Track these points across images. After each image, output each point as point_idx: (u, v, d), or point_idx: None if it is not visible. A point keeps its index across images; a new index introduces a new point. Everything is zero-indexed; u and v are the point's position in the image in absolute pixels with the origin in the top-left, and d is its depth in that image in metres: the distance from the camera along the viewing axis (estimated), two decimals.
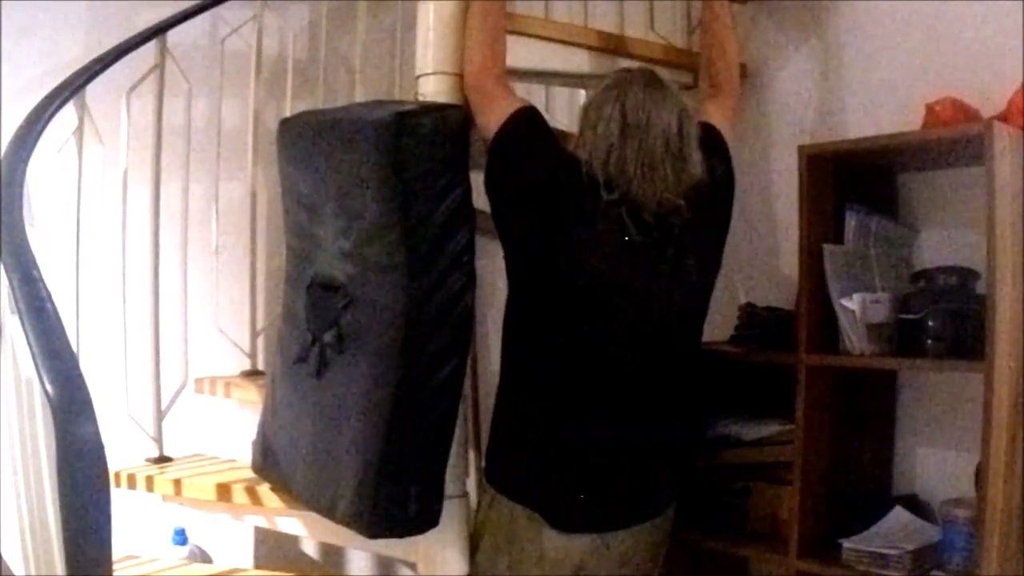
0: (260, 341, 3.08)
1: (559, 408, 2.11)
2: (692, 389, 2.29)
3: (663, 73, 2.20)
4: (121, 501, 2.10)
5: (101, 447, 1.43)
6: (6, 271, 1.68)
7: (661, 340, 2.16)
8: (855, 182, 2.43)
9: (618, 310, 2.09)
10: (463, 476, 2.19)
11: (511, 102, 2.12)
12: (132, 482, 2.64)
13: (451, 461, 2.08)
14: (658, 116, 2.04)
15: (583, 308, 2.08)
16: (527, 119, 2.12)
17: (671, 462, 2.25)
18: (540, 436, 2.13)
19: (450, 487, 2.10)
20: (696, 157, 2.08)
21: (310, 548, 3.38)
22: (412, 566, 2.32)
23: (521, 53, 2.25)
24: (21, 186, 2.00)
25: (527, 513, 2.11)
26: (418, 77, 2.18)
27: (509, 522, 2.14)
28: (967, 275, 2.29)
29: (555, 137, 2.16)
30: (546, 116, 2.28)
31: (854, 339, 2.27)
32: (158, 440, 2.77)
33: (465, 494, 2.20)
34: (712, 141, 2.22)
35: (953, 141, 2.22)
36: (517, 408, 2.17)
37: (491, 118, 2.10)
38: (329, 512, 2.15)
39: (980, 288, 2.22)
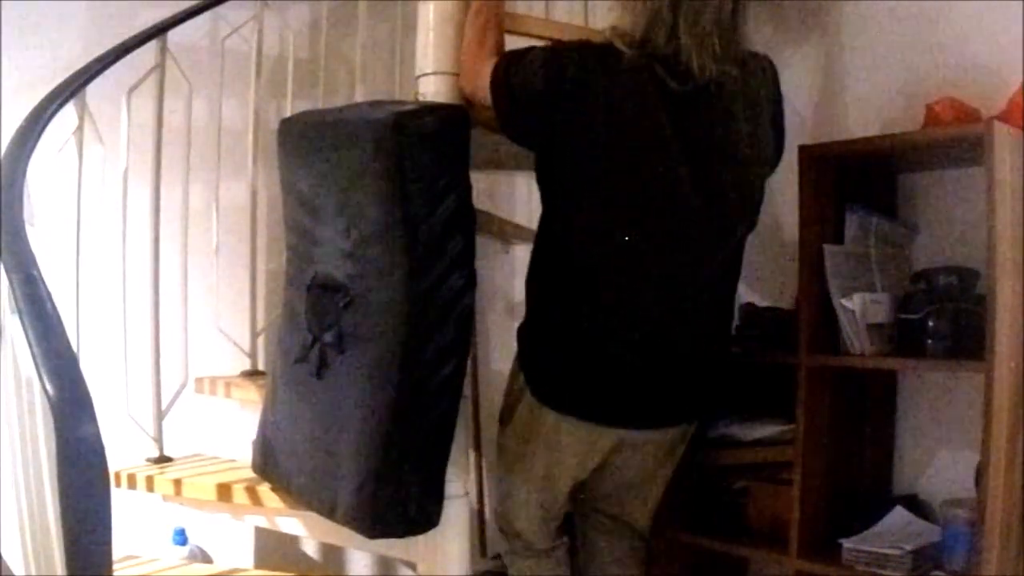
0: (260, 341, 3.08)
1: (599, 318, 2.11)
2: (726, 308, 2.30)
3: None
4: (121, 501, 2.11)
5: (101, 447, 1.43)
6: (6, 271, 1.68)
7: (705, 251, 2.13)
8: (855, 182, 2.43)
9: (663, 216, 2.05)
10: (463, 476, 2.19)
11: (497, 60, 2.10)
12: (132, 482, 2.64)
13: (451, 461, 2.08)
14: None
15: (629, 216, 2.05)
16: (522, 53, 2.08)
17: (698, 376, 2.26)
18: (580, 345, 2.13)
19: (450, 487, 2.10)
20: (745, 42, 2.06)
21: (310, 548, 3.38)
22: (412, 566, 2.32)
23: None
24: (21, 186, 2.00)
25: (559, 416, 2.17)
26: (418, 77, 2.18)
27: (540, 415, 2.18)
28: (967, 275, 2.29)
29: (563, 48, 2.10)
30: None
31: (854, 339, 2.28)
32: (158, 440, 2.77)
33: (466, 494, 2.20)
34: (771, 71, 2.20)
35: (953, 141, 2.22)
36: (553, 309, 2.18)
37: (488, 76, 2.08)
38: (329, 512, 2.15)
39: (980, 288, 2.22)
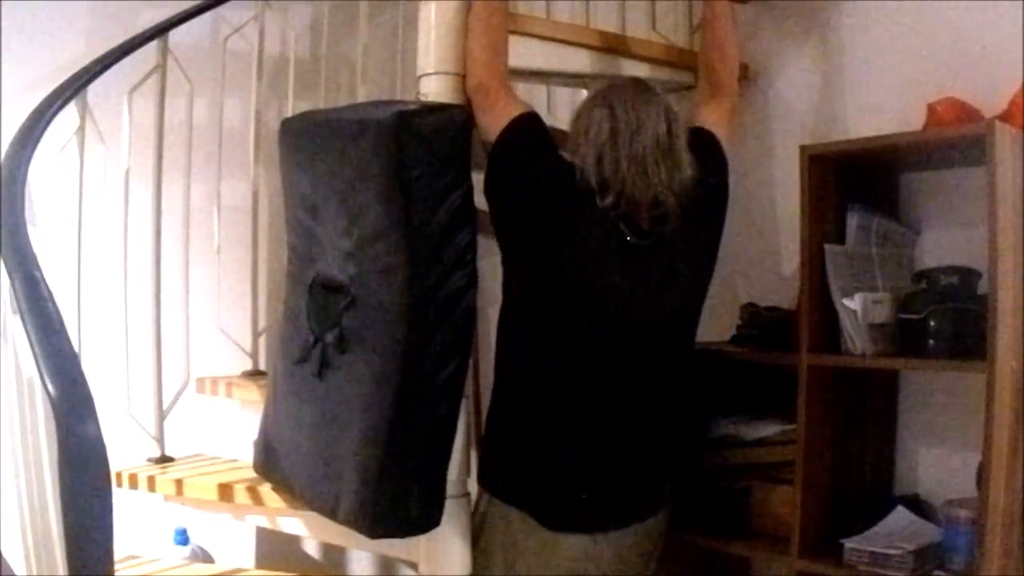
0: (262, 341, 3.08)
1: (555, 410, 2.12)
2: (688, 391, 2.29)
3: (664, 73, 2.21)
4: (123, 501, 2.10)
5: (103, 447, 1.43)
6: (8, 271, 1.68)
7: (656, 343, 2.18)
8: (857, 182, 2.43)
9: (613, 314, 2.10)
10: (464, 476, 2.19)
11: (512, 107, 2.13)
12: (134, 482, 2.64)
13: (452, 461, 2.08)
14: (647, 117, 2.06)
15: (578, 311, 2.09)
16: (528, 125, 2.13)
17: (667, 464, 2.26)
18: (535, 438, 2.14)
19: (451, 487, 2.10)
20: (686, 158, 2.10)
21: (312, 548, 3.38)
22: (414, 566, 2.31)
23: (523, 53, 2.25)
24: (23, 186, 2.00)
25: (521, 515, 2.13)
26: (420, 77, 2.18)
27: (505, 523, 2.15)
28: (969, 275, 2.29)
29: (554, 144, 2.16)
30: (548, 117, 2.29)
31: (856, 339, 2.27)
32: (160, 440, 2.77)
33: (466, 494, 2.20)
34: (705, 145, 2.24)
35: (955, 141, 2.22)
36: (512, 411, 2.19)
37: (492, 121, 2.11)
38: (331, 512, 2.15)
39: (982, 288, 2.22)
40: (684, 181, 2.08)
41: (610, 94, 2.11)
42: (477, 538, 2.21)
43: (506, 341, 2.20)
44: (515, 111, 2.12)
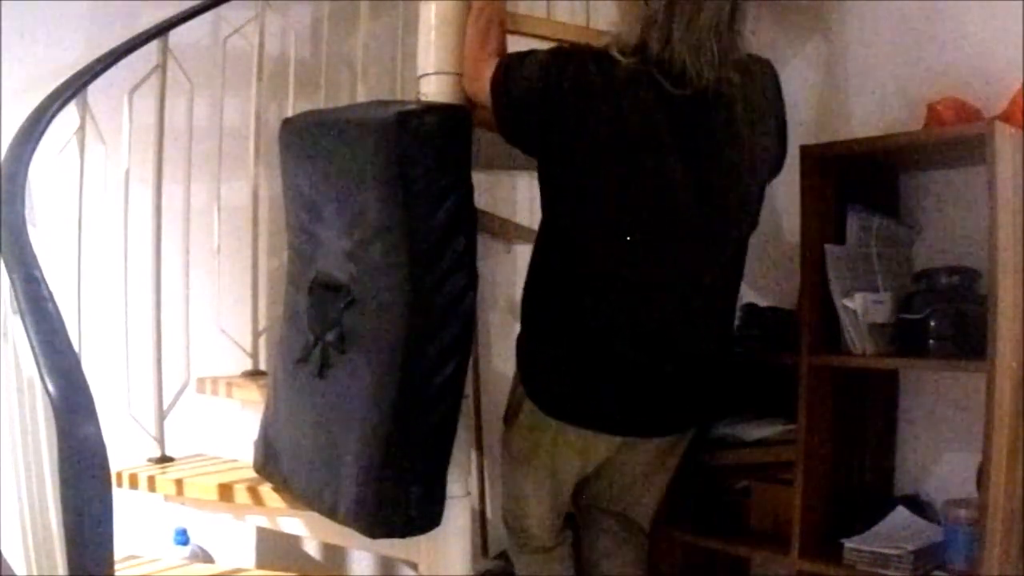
0: (262, 341, 3.08)
1: (596, 325, 2.11)
2: (727, 312, 2.30)
3: None
4: (123, 501, 2.10)
5: (103, 447, 1.43)
6: (8, 271, 1.68)
7: (704, 255, 2.12)
8: (857, 182, 2.43)
9: (664, 204, 2.03)
10: (465, 476, 2.19)
11: (494, 63, 2.09)
12: (134, 482, 2.64)
13: (453, 461, 2.08)
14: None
15: (627, 221, 2.04)
16: (511, 64, 2.07)
17: (698, 382, 2.26)
18: (577, 353, 2.13)
19: (452, 487, 2.10)
20: (742, 48, 2.02)
21: (312, 548, 3.38)
22: (414, 566, 2.32)
23: None
24: (23, 186, 2.00)
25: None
26: (420, 77, 2.18)
27: (541, 420, 2.19)
28: (969, 275, 2.29)
29: (542, 59, 2.07)
30: None
31: (856, 339, 2.28)
32: (160, 440, 2.77)
33: (467, 494, 2.20)
34: (771, 76, 2.18)
35: (955, 141, 2.22)
36: (551, 314, 2.17)
37: (484, 86, 2.08)
38: (331, 512, 2.15)
39: (982, 288, 2.22)
40: (738, 66, 2.00)
41: None
42: (512, 416, 2.27)
43: (547, 260, 2.17)
44: (495, 63, 2.08)
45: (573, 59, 2.03)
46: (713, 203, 2.06)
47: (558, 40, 2.34)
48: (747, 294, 2.79)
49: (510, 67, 2.07)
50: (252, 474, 2.55)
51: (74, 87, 2.45)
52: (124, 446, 2.63)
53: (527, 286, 2.22)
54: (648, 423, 2.22)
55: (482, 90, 2.10)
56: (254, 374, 3.04)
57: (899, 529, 2.30)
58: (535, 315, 2.21)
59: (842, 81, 2.71)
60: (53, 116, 2.31)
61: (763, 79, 2.14)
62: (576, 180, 2.06)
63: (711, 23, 1.95)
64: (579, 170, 2.04)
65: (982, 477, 2.07)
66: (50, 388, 1.44)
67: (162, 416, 2.77)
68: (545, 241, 2.17)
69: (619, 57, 1.98)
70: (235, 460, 2.83)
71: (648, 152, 2.00)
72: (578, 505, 2.49)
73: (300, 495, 2.30)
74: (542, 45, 2.31)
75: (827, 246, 2.33)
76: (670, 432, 2.29)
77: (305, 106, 2.94)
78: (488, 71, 2.09)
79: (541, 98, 2.02)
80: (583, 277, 2.11)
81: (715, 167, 2.04)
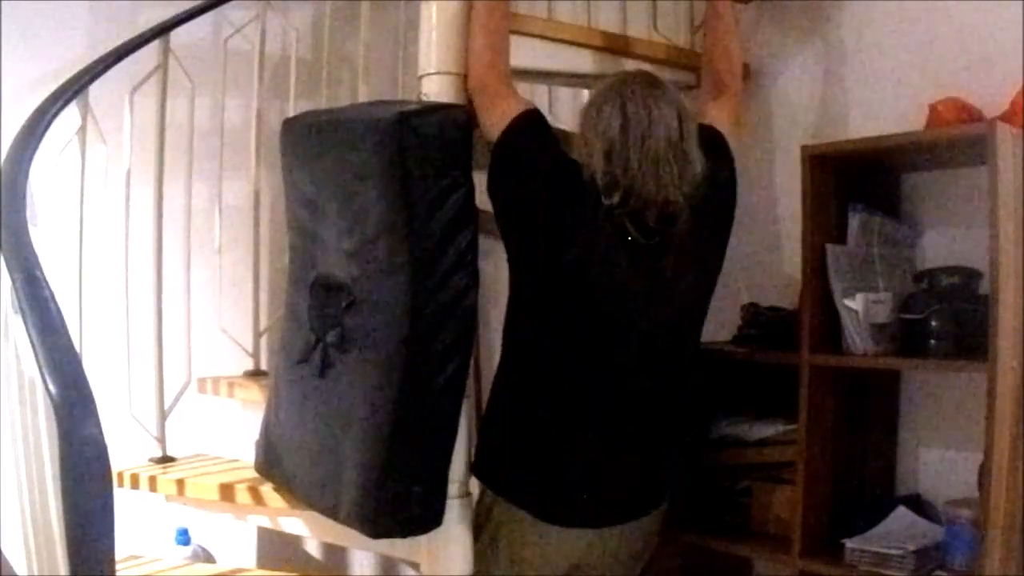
0: (263, 341, 3.08)
1: (557, 407, 2.12)
2: (691, 389, 2.29)
3: (666, 73, 2.20)
4: (124, 501, 2.11)
5: (104, 447, 1.43)
6: (9, 271, 1.68)
7: (661, 342, 2.16)
8: (858, 182, 2.43)
9: (618, 312, 2.09)
10: (466, 475, 2.19)
11: (515, 104, 2.11)
12: (135, 482, 2.64)
13: (454, 461, 2.08)
14: (659, 113, 2.02)
15: (583, 310, 2.08)
16: (530, 123, 2.11)
17: (667, 462, 2.26)
18: (538, 435, 2.14)
19: (453, 487, 2.10)
20: (697, 155, 2.06)
21: (313, 548, 3.38)
22: (415, 566, 2.32)
23: (524, 53, 2.25)
24: (24, 186, 2.00)
25: (522, 512, 2.13)
26: (421, 77, 2.18)
27: (508, 517, 2.16)
28: (970, 275, 2.29)
29: (557, 141, 2.15)
30: (549, 117, 2.28)
31: (857, 339, 2.27)
32: (161, 440, 2.77)
33: (468, 494, 2.20)
34: (713, 143, 2.21)
35: (956, 141, 2.22)
36: (515, 407, 2.18)
37: (494, 120, 2.10)
38: (332, 512, 2.15)
39: (983, 288, 2.22)
40: (695, 179, 2.04)
41: (622, 89, 2.06)
42: (479, 531, 2.21)
43: (511, 336, 2.20)
44: (516, 109, 2.11)
45: (571, 175, 2.06)
46: (671, 306, 2.15)
47: (559, 40, 2.34)
48: (748, 294, 2.79)
49: (526, 133, 2.11)
50: (253, 474, 2.55)
51: (75, 87, 2.45)
52: (125, 446, 2.63)
53: (495, 375, 2.24)
54: (625, 508, 2.20)
55: (491, 110, 2.11)
56: (255, 374, 3.04)
57: (900, 529, 2.30)
58: (496, 396, 2.23)
59: (843, 81, 2.71)
60: (54, 116, 2.31)
61: (716, 158, 2.18)
62: (535, 270, 2.11)
63: (666, 136, 2.01)
64: (538, 263, 2.10)
65: (983, 477, 2.06)
66: (51, 388, 1.44)
67: (163, 416, 2.77)
68: (511, 326, 2.21)
69: (604, 201, 2.02)
70: (236, 460, 2.83)
71: (609, 280, 2.06)
72: None
73: (301, 495, 2.30)
74: (543, 45, 2.31)
75: (828, 246, 2.33)
76: (639, 515, 2.24)
77: (306, 106, 2.95)
78: (505, 102, 2.11)
79: (529, 196, 2.08)
80: (538, 363, 2.15)
81: (672, 287, 2.12)
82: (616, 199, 2.02)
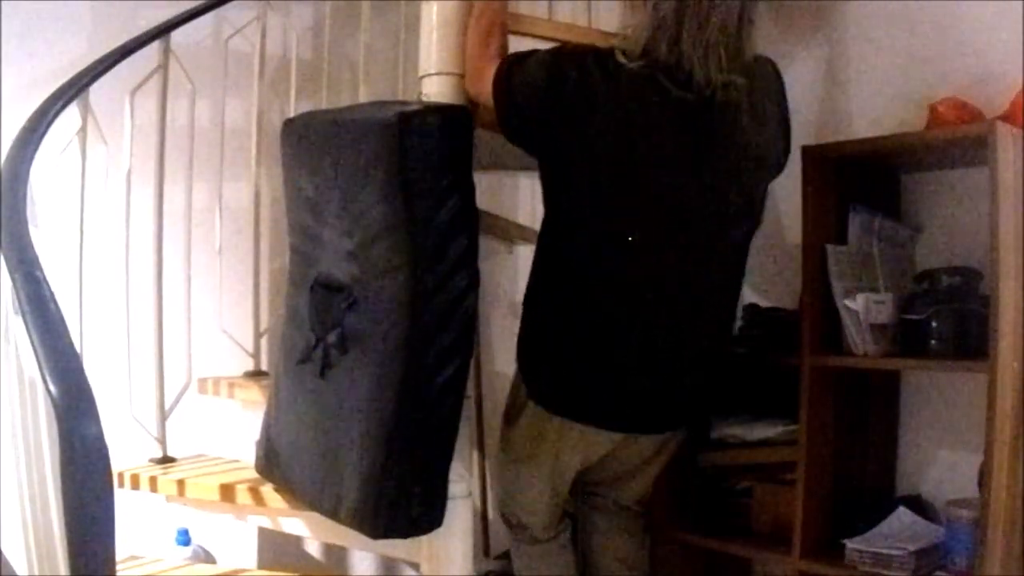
0: (263, 341, 3.08)
1: (597, 324, 2.11)
2: (727, 311, 2.30)
3: None
4: (125, 502, 2.11)
5: (105, 447, 1.43)
6: (10, 271, 1.68)
7: (704, 238, 2.11)
8: (858, 182, 2.43)
9: (660, 191, 2.03)
10: (466, 476, 2.19)
11: (495, 65, 2.09)
12: (136, 482, 2.64)
13: (454, 461, 2.08)
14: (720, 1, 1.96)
15: (628, 221, 2.04)
16: (516, 59, 2.08)
17: (697, 381, 2.26)
18: (579, 352, 2.13)
19: (454, 487, 2.10)
20: (750, 55, 2.02)
21: (314, 549, 3.38)
22: (416, 566, 2.32)
23: None
24: (25, 186, 2.00)
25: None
26: (421, 77, 2.18)
27: (544, 419, 2.20)
28: (971, 275, 2.29)
29: (545, 61, 2.07)
30: None
31: (858, 340, 2.27)
32: (162, 440, 2.77)
33: (469, 494, 2.20)
34: (773, 74, 2.18)
35: (956, 141, 2.22)
36: (553, 317, 2.17)
37: (487, 89, 2.08)
38: (333, 512, 2.15)
39: (984, 288, 2.22)
40: (748, 64, 2.00)
41: None
42: (512, 418, 2.28)
43: (550, 255, 2.16)
44: (496, 64, 2.09)
45: (576, 59, 2.02)
46: (715, 206, 2.07)
47: (559, 40, 2.34)
48: (749, 295, 2.79)
49: (512, 67, 2.07)
50: (254, 474, 2.55)
51: (76, 87, 2.45)
52: (126, 447, 2.63)
53: (529, 286, 2.21)
54: (648, 419, 2.23)
55: (484, 91, 2.10)
56: (256, 374, 3.04)
57: (900, 529, 2.30)
58: (535, 315, 2.21)
59: (844, 81, 2.71)
60: (55, 117, 2.31)
61: (767, 80, 2.15)
62: (577, 181, 2.06)
63: (720, 27, 1.95)
64: (580, 171, 2.04)
65: (983, 477, 2.06)
66: (52, 389, 1.44)
67: (164, 417, 2.77)
68: (547, 241, 2.16)
69: (623, 60, 1.97)
70: (237, 460, 2.83)
71: (650, 155, 2.01)
72: (575, 492, 2.50)
73: (302, 495, 2.30)
74: (544, 46, 2.31)
75: (829, 246, 2.33)
76: (668, 428, 2.29)
77: (307, 106, 2.95)
78: (490, 72, 2.09)
79: (543, 98, 2.02)
80: (584, 277, 2.10)
81: (718, 171, 2.05)
82: (658, 54, 1.95)
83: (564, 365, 2.15)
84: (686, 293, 2.13)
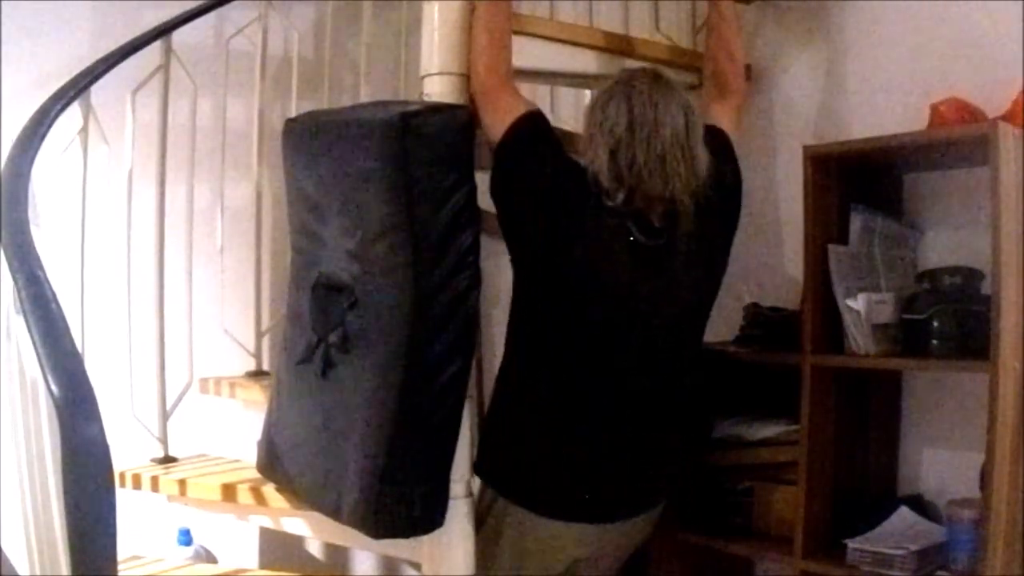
0: (265, 341, 3.08)
1: (559, 407, 2.12)
2: (693, 389, 2.29)
3: (668, 73, 2.20)
4: (126, 501, 2.11)
5: (106, 447, 1.43)
6: (11, 271, 1.68)
7: (663, 343, 2.17)
8: (860, 182, 2.43)
9: (621, 314, 2.10)
10: (468, 476, 2.19)
11: (517, 105, 2.11)
12: (137, 482, 2.64)
13: (456, 462, 2.08)
14: (666, 111, 2.02)
15: (585, 311, 2.09)
16: (532, 125, 2.11)
17: (669, 461, 2.26)
18: (540, 434, 2.14)
19: (455, 487, 2.10)
20: (703, 154, 2.06)
21: (315, 548, 3.38)
22: (417, 566, 2.31)
23: (526, 53, 2.25)
24: (26, 186, 2.00)
25: (526, 511, 2.14)
26: (423, 77, 2.18)
27: (512, 511, 2.16)
28: (972, 275, 2.29)
29: (559, 143, 2.15)
30: (551, 116, 2.27)
31: (859, 339, 2.27)
32: (163, 440, 2.77)
33: (470, 494, 2.20)
34: (719, 144, 2.21)
35: (958, 141, 2.22)
36: (517, 407, 2.19)
37: (497, 121, 2.10)
38: (334, 512, 2.15)
39: (985, 288, 2.22)
40: (700, 179, 2.04)
41: (628, 86, 2.06)
42: (481, 523, 2.21)
43: (514, 336, 2.20)
44: (519, 110, 2.10)
45: (574, 177, 2.07)
46: (675, 307, 2.16)
47: (561, 41, 2.34)
48: (750, 294, 2.79)
49: (528, 135, 2.10)
50: (255, 474, 2.55)
51: (77, 87, 2.45)
52: (127, 446, 2.63)
53: (496, 384, 2.25)
54: (628, 505, 2.21)
55: (493, 112, 2.10)
56: (257, 374, 3.04)
57: (902, 529, 2.30)
58: (500, 394, 2.24)
59: (845, 82, 2.71)
60: (56, 116, 2.31)
61: (721, 158, 2.19)
62: (539, 273, 2.12)
63: (670, 138, 2.01)
64: (541, 266, 2.10)
65: (985, 477, 2.06)
66: (53, 388, 1.44)
67: (165, 416, 2.77)
68: (514, 318, 2.21)
69: (607, 201, 2.04)
70: (238, 460, 2.83)
71: (614, 273, 2.07)
72: None
73: (303, 495, 2.30)
74: (545, 46, 2.31)
75: (830, 246, 2.33)
76: (640, 511, 2.26)
77: (308, 106, 2.95)
78: (507, 104, 2.10)
79: (540, 200, 2.08)
80: (545, 361, 2.15)
81: (676, 289, 2.14)
82: (620, 199, 2.02)
83: (522, 447, 2.17)
84: (653, 375, 2.18)
